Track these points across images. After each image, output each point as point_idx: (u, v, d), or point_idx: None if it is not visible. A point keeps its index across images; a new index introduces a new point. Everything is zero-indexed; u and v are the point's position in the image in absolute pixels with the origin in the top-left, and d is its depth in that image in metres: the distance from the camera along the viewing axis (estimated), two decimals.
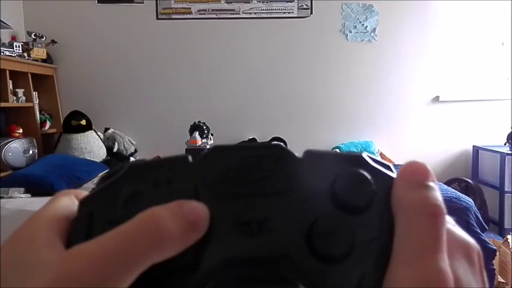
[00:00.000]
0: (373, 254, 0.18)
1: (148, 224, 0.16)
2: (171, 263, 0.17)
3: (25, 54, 2.87)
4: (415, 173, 0.19)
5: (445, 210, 0.18)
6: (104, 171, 2.78)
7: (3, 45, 2.71)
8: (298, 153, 0.19)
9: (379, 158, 0.20)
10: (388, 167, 0.20)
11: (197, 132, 2.48)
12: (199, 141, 2.47)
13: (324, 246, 0.17)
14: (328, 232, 0.18)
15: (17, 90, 2.84)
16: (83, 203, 0.19)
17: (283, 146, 0.19)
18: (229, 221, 0.18)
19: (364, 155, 0.20)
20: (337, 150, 3.19)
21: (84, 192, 0.20)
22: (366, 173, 0.19)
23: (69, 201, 0.20)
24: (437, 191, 0.18)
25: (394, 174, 0.19)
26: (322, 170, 0.19)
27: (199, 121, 2.46)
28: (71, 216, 0.19)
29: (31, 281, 0.15)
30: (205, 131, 2.42)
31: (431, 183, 0.18)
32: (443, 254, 0.17)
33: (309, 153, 0.19)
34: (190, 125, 2.46)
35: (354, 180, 0.18)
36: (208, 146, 2.49)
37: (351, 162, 0.19)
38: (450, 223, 0.18)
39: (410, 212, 0.18)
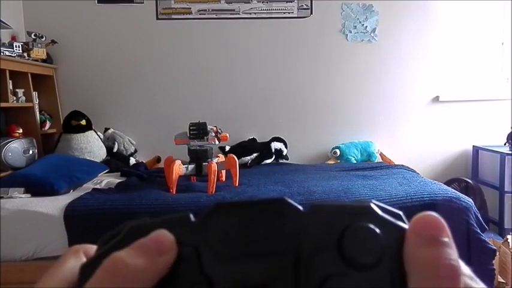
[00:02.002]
0: None
1: (108, 268, 0.17)
2: None
3: (25, 54, 2.87)
4: (429, 227, 0.18)
5: (461, 269, 0.17)
6: (105, 172, 2.78)
7: (3, 45, 2.71)
8: (303, 207, 0.19)
9: (388, 207, 0.19)
10: (398, 217, 0.19)
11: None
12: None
13: None
14: None
15: (17, 90, 2.83)
16: (84, 269, 0.19)
17: (286, 199, 0.19)
18: (232, 284, 0.17)
19: (372, 204, 0.19)
20: (337, 150, 3.20)
21: (93, 247, 0.21)
22: (374, 227, 0.18)
23: (75, 263, 0.20)
24: (453, 248, 0.17)
25: (405, 225, 0.18)
26: (327, 224, 0.18)
27: (199, 121, 2.45)
28: (75, 281, 0.19)
29: None
30: (202, 131, 2.40)
31: (445, 239, 0.17)
32: None
33: (312, 207, 0.19)
34: (192, 124, 2.44)
35: (363, 235, 0.17)
36: (211, 146, 2.47)
37: (358, 214, 0.18)
38: (468, 276, 0.18)
39: (424, 271, 0.17)
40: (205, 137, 2.40)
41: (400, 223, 0.18)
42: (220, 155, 2.70)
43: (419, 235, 0.17)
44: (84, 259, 0.20)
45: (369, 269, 0.17)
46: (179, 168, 2.27)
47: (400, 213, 0.19)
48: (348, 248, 0.17)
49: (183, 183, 2.37)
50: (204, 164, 2.32)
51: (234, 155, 2.42)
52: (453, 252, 0.17)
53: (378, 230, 0.18)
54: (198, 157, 2.36)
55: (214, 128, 2.43)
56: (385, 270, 0.17)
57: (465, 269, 0.17)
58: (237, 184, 2.37)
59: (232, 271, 0.17)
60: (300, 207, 0.19)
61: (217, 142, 2.45)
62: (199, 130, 2.40)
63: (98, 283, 0.17)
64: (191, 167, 2.34)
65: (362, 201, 0.19)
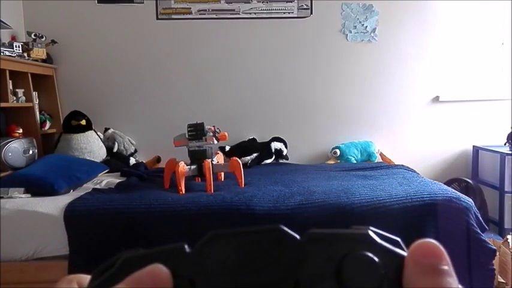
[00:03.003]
0: None
1: None
2: None
3: (25, 54, 2.87)
4: (428, 255, 0.17)
5: None
6: (105, 172, 2.78)
7: (3, 45, 2.71)
8: (299, 235, 0.18)
9: (386, 234, 0.19)
10: (396, 243, 0.19)
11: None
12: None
13: None
14: None
15: (17, 90, 2.83)
16: None
17: (282, 228, 0.18)
18: None
19: (370, 232, 0.18)
20: (337, 150, 3.20)
21: (87, 277, 0.20)
22: (373, 256, 0.17)
23: None
24: (453, 276, 0.17)
25: (404, 253, 0.18)
26: (326, 252, 0.18)
27: (196, 122, 2.45)
28: None
29: None
30: (200, 132, 2.41)
31: (445, 267, 0.17)
32: None
33: (310, 235, 0.18)
34: (190, 125, 2.45)
35: (362, 264, 0.17)
36: (210, 146, 2.47)
37: (356, 242, 0.18)
38: None
39: None
40: (203, 137, 2.40)
41: (398, 250, 0.18)
42: (219, 152, 2.70)
43: (418, 263, 0.17)
44: (76, 287, 0.20)
45: None
46: (184, 169, 2.29)
47: (398, 239, 0.19)
48: (347, 278, 0.17)
49: (185, 183, 2.38)
50: (203, 164, 2.34)
51: (237, 158, 2.43)
52: (453, 281, 0.17)
53: (376, 259, 0.17)
54: (198, 157, 2.37)
55: (212, 128, 2.43)
56: None
57: None
58: (243, 185, 2.37)
59: None
60: (297, 236, 0.18)
61: (215, 142, 2.45)
62: (196, 131, 2.40)
63: None
64: (193, 167, 2.35)
65: (360, 228, 0.18)
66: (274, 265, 0.18)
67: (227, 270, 0.18)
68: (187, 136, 2.42)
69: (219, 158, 2.60)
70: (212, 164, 2.33)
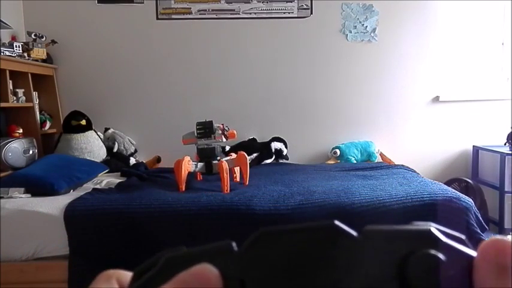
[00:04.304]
0: None
1: None
2: None
3: (25, 54, 2.87)
4: (501, 254, 0.16)
5: None
6: (105, 172, 2.77)
7: (3, 45, 2.71)
8: (355, 232, 0.17)
9: (450, 231, 0.17)
10: (462, 241, 0.17)
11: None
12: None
13: None
14: None
15: (17, 90, 2.83)
16: None
17: (338, 225, 0.17)
18: None
19: (433, 229, 0.17)
20: (337, 150, 3.20)
21: (127, 274, 0.19)
22: (439, 255, 0.16)
23: None
24: None
25: (473, 252, 0.17)
26: (385, 252, 0.16)
27: (205, 120, 2.46)
28: None
29: None
30: (208, 130, 2.41)
31: None
32: None
33: (368, 232, 0.17)
34: (199, 123, 2.45)
35: (428, 264, 0.16)
36: (220, 145, 2.47)
37: (419, 240, 0.16)
38: None
39: None
40: (212, 135, 2.41)
41: (466, 249, 0.17)
42: (232, 154, 2.69)
43: (492, 263, 0.16)
44: (116, 286, 0.19)
45: None
46: (188, 165, 2.29)
47: (463, 237, 0.17)
48: (412, 279, 0.16)
49: (187, 182, 2.37)
50: (214, 162, 2.34)
51: (244, 153, 2.43)
52: None
53: (444, 258, 0.16)
54: (207, 155, 2.38)
55: (221, 126, 2.44)
56: None
57: None
58: (247, 183, 2.37)
59: None
60: (354, 233, 0.17)
61: (224, 140, 2.45)
62: (205, 129, 2.41)
63: None
64: (200, 164, 2.36)
65: (419, 225, 0.17)
66: (331, 266, 0.16)
67: (280, 271, 0.16)
68: (196, 134, 2.42)
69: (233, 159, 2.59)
70: (229, 162, 2.34)
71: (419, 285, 0.15)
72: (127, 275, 0.19)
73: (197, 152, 2.43)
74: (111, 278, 0.19)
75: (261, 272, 0.17)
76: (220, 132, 2.41)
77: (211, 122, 2.43)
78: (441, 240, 0.17)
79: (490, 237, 0.16)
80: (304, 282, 0.16)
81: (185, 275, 0.16)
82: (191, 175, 2.44)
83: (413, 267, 0.16)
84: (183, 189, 2.25)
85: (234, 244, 0.17)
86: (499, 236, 0.16)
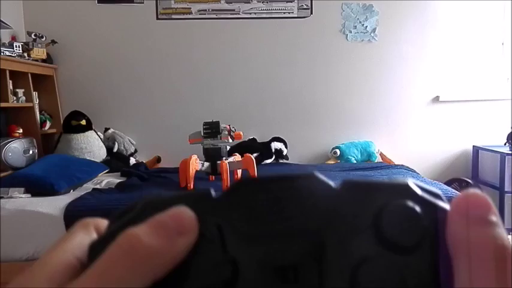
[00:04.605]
0: None
1: (122, 246, 0.16)
2: None
3: (25, 54, 2.87)
4: (475, 206, 0.16)
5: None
6: (105, 172, 2.78)
7: (3, 45, 2.71)
8: (334, 183, 0.17)
9: (426, 186, 0.17)
10: (438, 196, 0.17)
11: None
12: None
13: None
14: (375, 278, 0.15)
15: (17, 90, 2.83)
16: (93, 248, 0.17)
17: (317, 175, 0.17)
18: (259, 266, 0.16)
19: (410, 182, 0.17)
20: (337, 150, 3.20)
21: (105, 221, 0.19)
22: (414, 206, 0.16)
23: (84, 238, 0.19)
24: (502, 228, 0.16)
25: (447, 206, 0.17)
26: (362, 202, 0.17)
27: (212, 120, 2.47)
28: (83, 258, 0.18)
29: None
30: (215, 130, 2.42)
31: (494, 218, 0.16)
32: None
33: (346, 183, 0.17)
34: (205, 123, 2.45)
35: (402, 215, 0.16)
36: (227, 145, 2.47)
37: (395, 192, 0.17)
38: None
39: (472, 255, 0.15)
40: (218, 136, 2.42)
41: (441, 203, 0.17)
42: (236, 154, 2.68)
43: (465, 215, 0.16)
44: (94, 234, 0.19)
45: (409, 252, 0.16)
46: (196, 163, 2.29)
47: (439, 192, 0.17)
48: (386, 229, 0.16)
49: (199, 183, 2.37)
50: (218, 162, 2.34)
51: (250, 155, 2.43)
52: (503, 232, 0.16)
53: (418, 209, 0.16)
54: (212, 155, 2.39)
55: (228, 127, 2.45)
56: (427, 253, 0.16)
57: None
58: None
59: (259, 251, 0.16)
60: (332, 183, 0.17)
61: (230, 140, 2.46)
62: (212, 129, 2.42)
63: (110, 261, 0.16)
64: (206, 164, 2.36)
65: (398, 179, 0.17)
66: (307, 214, 0.16)
67: (256, 217, 0.17)
68: (202, 134, 2.43)
69: (236, 159, 2.58)
70: (232, 163, 2.34)
71: (392, 234, 0.16)
72: (104, 222, 0.19)
73: (203, 152, 2.43)
74: (88, 225, 0.19)
75: (238, 217, 0.17)
76: (226, 132, 2.42)
77: (218, 123, 2.44)
78: (416, 193, 0.17)
79: (465, 191, 0.17)
80: (281, 227, 0.16)
81: (161, 216, 0.16)
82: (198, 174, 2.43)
83: (388, 217, 0.16)
84: (192, 187, 2.25)
85: (213, 191, 0.17)
86: (472, 190, 0.17)
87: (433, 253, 0.16)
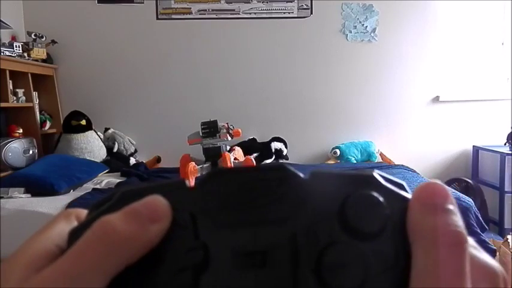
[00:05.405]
0: (387, 286, 0.16)
1: (96, 232, 0.16)
2: None
3: (25, 54, 2.87)
4: (433, 195, 0.17)
5: (466, 236, 0.16)
6: (105, 172, 2.78)
7: (3, 45, 2.71)
8: (303, 174, 0.18)
9: (391, 177, 0.19)
10: (401, 187, 0.18)
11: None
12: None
13: (334, 279, 0.16)
14: (339, 262, 0.16)
15: (17, 90, 2.83)
16: (72, 234, 0.18)
17: (287, 166, 0.18)
18: (229, 251, 0.17)
19: (376, 173, 0.18)
20: (337, 150, 3.20)
21: (85, 212, 0.20)
22: (377, 195, 0.17)
23: (65, 227, 0.19)
24: (458, 215, 0.17)
25: (409, 195, 0.18)
26: (329, 192, 0.17)
27: (209, 119, 2.46)
28: (63, 246, 0.18)
29: None
30: (213, 129, 2.42)
31: (451, 207, 0.17)
32: (467, 287, 0.15)
33: (314, 174, 0.18)
34: (203, 123, 2.45)
35: (365, 204, 0.17)
36: (226, 143, 2.47)
37: (361, 182, 0.18)
38: (472, 246, 0.17)
39: (429, 240, 0.16)
40: (217, 135, 2.42)
41: (403, 193, 0.18)
42: (236, 147, 2.66)
43: (423, 204, 0.17)
44: (75, 223, 0.20)
45: (372, 239, 0.17)
46: (194, 170, 2.29)
47: (403, 183, 0.19)
48: (350, 217, 0.17)
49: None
50: (219, 160, 2.34)
51: (251, 158, 2.44)
52: (458, 220, 0.17)
53: (381, 199, 0.17)
54: (212, 155, 2.38)
55: (226, 125, 2.44)
56: (388, 240, 0.17)
57: (469, 238, 0.17)
58: None
59: (230, 238, 0.17)
60: (301, 175, 0.18)
61: (229, 138, 2.46)
62: (210, 128, 2.42)
63: (84, 246, 0.16)
64: (206, 165, 2.36)
65: (364, 170, 0.18)
66: (277, 203, 0.17)
67: (229, 205, 0.17)
68: (201, 134, 2.43)
69: (236, 154, 2.56)
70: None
71: (356, 221, 0.17)
72: (86, 213, 0.20)
73: (203, 152, 2.43)
74: (70, 215, 0.20)
75: (211, 206, 0.17)
76: (225, 131, 2.42)
77: (215, 121, 2.44)
78: (381, 184, 0.18)
79: (424, 182, 0.18)
80: (253, 215, 0.17)
81: (135, 204, 0.17)
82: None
83: (352, 206, 0.17)
84: (192, 184, 2.24)
85: (186, 181, 0.18)
86: (434, 181, 0.18)
87: (397, 239, 0.17)
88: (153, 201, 0.17)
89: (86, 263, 0.16)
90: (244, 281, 0.16)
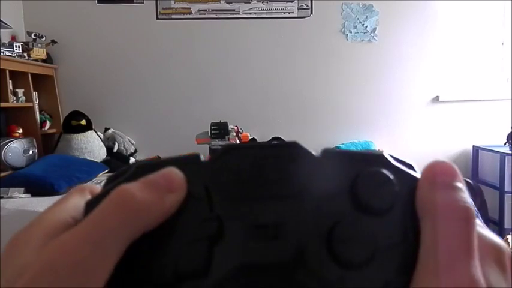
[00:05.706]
0: (396, 260, 0.17)
1: (115, 200, 0.17)
2: (181, 267, 0.17)
3: (25, 54, 2.87)
4: (442, 173, 0.18)
5: (474, 212, 0.17)
6: (105, 172, 2.78)
7: (3, 45, 2.71)
8: (316, 151, 0.19)
9: (400, 158, 0.19)
10: (410, 166, 0.19)
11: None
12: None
13: (344, 252, 0.16)
14: (349, 236, 0.17)
15: (17, 90, 2.83)
16: (89, 205, 0.18)
17: (300, 144, 0.19)
18: (242, 224, 0.17)
19: (386, 153, 0.19)
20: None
21: (99, 188, 0.20)
22: (388, 173, 0.18)
23: (80, 200, 0.20)
24: (466, 192, 0.17)
25: (418, 174, 0.18)
26: (341, 169, 0.18)
27: (220, 121, 2.47)
28: (78, 218, 0.19)
29: (15, 283, 0.16)
30: (223, 131, 2.42)
31: (459, 184, 0.17)
32: (476, 261, 0.16)
33: (326, 152, 0.19)
34: (213, 124, 2.44)
35: (376, 181, 0.17)
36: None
37: (371, 161, 0.18)
38: (479, 225, 0.17)
39: (438, 215, 0.16)
40: (226, 137, 2.42)
41: (412, 172, 0.19)
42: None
43: (433, 182, 0.17)
44: (89, 197, 0.20)
45: (381, 215, 0.17)
46: None
47: (412, 163, 0.19)
48: (361, 193, 0.17)
49: None
50: None
51: None
52: (467, 196, 0.17)
53: (391, 176, 0.18)
54: None
55: (236, 128, 2.45)
56: (398, 216, 0.17)
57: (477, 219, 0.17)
58: None
59: (243, 211, 0.17)
60: (313, 152, 0.19)
61: (238, 142, 2.46)
62: (220, 130, 2.42)
63: (103, 213, 0.16)
64: None
65: (375, 150, 0.19)
66: (289, 179, 0.18)
67: (242, 181, 0.18)
68: (210, 134, 2.43)
69: None
70: None
71: (366, 198, 0.17)
72: (99, 188, 0.20)
73: (210, 153, 2.43)
74: (84, 190, 0.21)
75: (225, 180, 0.18)
76: (234, 134, 2.42)
77: (226, 123, 2.44)
78: (390, 162, 0.19)
79: (433, 160, 0.18)
80: (265, 190, 0.18)
81: (151, 175, 0.18)
82: None
83: (363, 182, 0.17)
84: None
85: (201, 155, 0.19)
86: (442, 160, 0.18)
87: (406, 216, 0.17)
88: (170, 172, 0.18)
89: (105, 229, 0.16)
90: (257, 253, 0.17)
